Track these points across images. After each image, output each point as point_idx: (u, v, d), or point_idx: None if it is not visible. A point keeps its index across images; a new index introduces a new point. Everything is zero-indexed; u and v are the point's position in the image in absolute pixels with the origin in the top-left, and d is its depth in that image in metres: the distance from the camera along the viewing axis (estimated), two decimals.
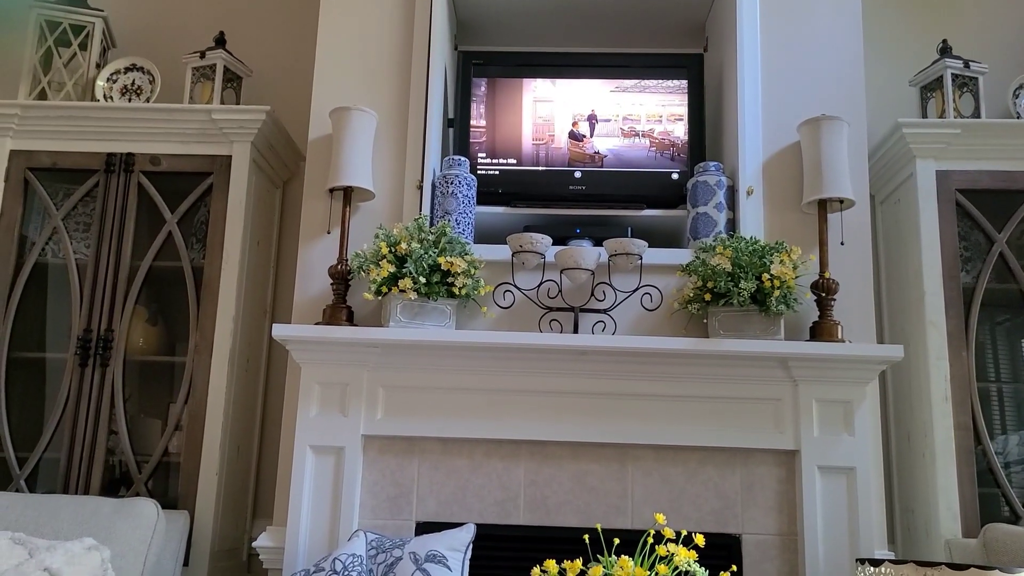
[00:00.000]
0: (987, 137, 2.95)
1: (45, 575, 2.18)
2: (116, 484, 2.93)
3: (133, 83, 3.19)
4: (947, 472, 2.74)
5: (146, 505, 2.46)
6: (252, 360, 3.12)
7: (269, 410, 3.25)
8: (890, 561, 1.94)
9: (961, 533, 2.69)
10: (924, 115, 3.18)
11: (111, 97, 3.17)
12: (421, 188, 2.80)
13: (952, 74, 3.09)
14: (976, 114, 3.07)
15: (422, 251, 2.53)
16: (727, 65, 2.97)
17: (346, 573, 2.19)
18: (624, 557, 1.77)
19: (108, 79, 3.19)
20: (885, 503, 2.67)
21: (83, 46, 3.23)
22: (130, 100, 3.17)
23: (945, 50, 3.16)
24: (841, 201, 2.66)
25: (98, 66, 3.24)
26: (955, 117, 3.04)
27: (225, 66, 3.18)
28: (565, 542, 2.49)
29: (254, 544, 2.60)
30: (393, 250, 2.56)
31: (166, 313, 3.16)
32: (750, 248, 2.56)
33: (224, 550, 2.90)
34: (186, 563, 2.69)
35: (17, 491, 2.82)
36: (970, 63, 3.11)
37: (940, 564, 1.86)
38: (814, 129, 2.67)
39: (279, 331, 2.55)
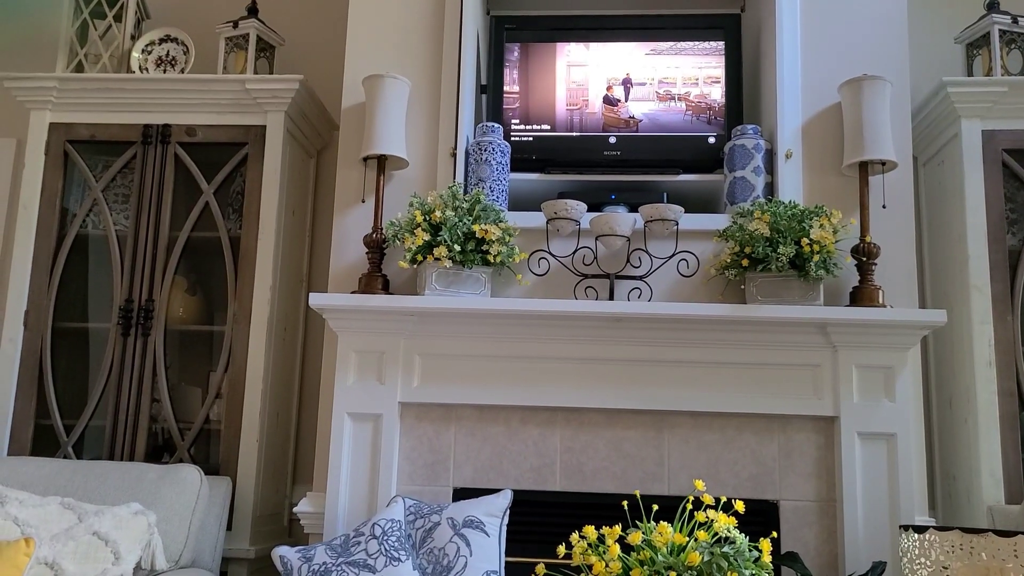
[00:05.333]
0: None
1: (94, 538, 2.24)
2: (159, 451, 3.00)
3: (168, 54, 3.20)
4: (990, 438, 2.70)
5: (190, 471, 2.51)
6: (289, 329, 3.15)
7: (307, 378, 3.29)
8: (934, 528, 1.92)
9: (1004, 499, 2.66)
10: (970, 73, 3.09)
11: (146, 68, 3.18)
12: (455, 155, 2.79)
13: (1000, 30, 3.00)
14: None
15: (456, 219, 2.53)
16: (765, 25, 2.91)
17: (385, 538, 2.22)
18: (663, 523, 1.77)
19: (143, 51, 3.20)
20: (926, 469, 2.64)
21: (118, 18, 3.25)
22: (165, 71, 3.18)
23: (992, 5, 3.05)
24: (883, 163, 2.60)
25: (133, 38, 3.25)
26: (1002, 75, 2.95)
27: (258, 35, 3.17)
28: (601, 508, 2.50)
29: (295, 509, 2.64)
30: (427, 218, 2.55)
31: (205, 283, 3.20)
32: (789, 212, 2.52)
33: (265, 515, 2.95)
34: (229, 527, 2.75)
35: (65, 457, 2.89)
36: (1019, 18, 3.01)
37: (987, 531, 1.83)
38: (855, 89, 2.61)
39: (316, 300, 2.57)
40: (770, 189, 2.74)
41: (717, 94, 2.91)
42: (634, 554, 1.75)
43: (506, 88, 2.97)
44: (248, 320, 2.93)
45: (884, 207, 2.66)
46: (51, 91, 3.06)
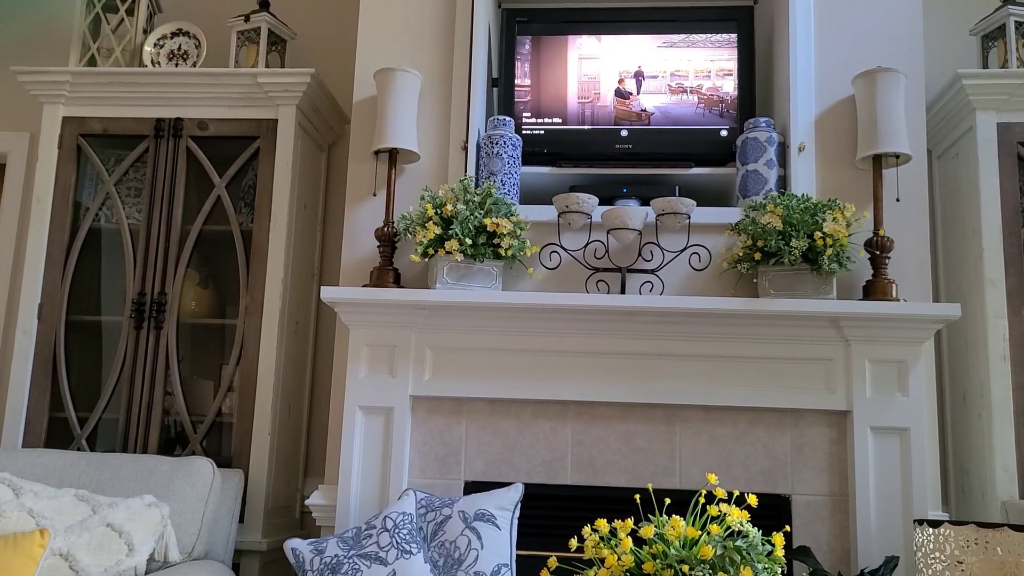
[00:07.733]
0: None
1: (108, 530, 2.25)
2: (172, 443, 3.01)
3: (180, 48, 3.21)
4: (1004, 433, 2.69)
5: (203, 464, 2.52)
6: (301, 322, 3.16)
7: (319, 371, 3.29)
8: (949, 522, 1.92)
9: (1018, 494, 2.65)
10: (985, 65, 3.06)
11: (158, 63, 3.19)
12: (466, 149, 2.78)
13: (1016, 22, 2.97)
14: None
15: (468, 212, 2.52)
16: (779, 17, 2.89)
17: (397, 531, 2.22)
18: (675, 517, 1.76)
19: (155, 44, 3.21)
20: (939, 464, 2.63)
21: (130, 12, 3.25)
22: (177, 65, 3.19)
23: None
24: (897, 156, 2.58)
25: (145, 32, 3.26)
26: (1018, 67, 2.93)
27: (269, 29, 3.18)
28: (612, 502, 2.50)
29: (307, 502, 2.65)
30: (439, 212, 2.55)
31: (217, 276, 3.21)
32: (802, 206, 2.51)
33: (277, 507, 2.96)
34: (241, 520, 2.77)
35: (79, 450, 2.91)
36: None
37: (1002, 525, 1.82)
38: (869, 82, 2.59)
39: (327, 293, 2.57)
40: (783, 182, 2.73)
41: (730, 87, 2.90)
42: (647, 548, 1.75)
43: (517, 81, 2.96)
44: (260, 313, 2.93)
45: (898, 200, 2.64)
46: (64, 85, 3.07)
